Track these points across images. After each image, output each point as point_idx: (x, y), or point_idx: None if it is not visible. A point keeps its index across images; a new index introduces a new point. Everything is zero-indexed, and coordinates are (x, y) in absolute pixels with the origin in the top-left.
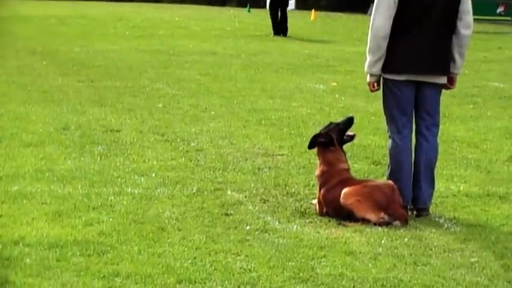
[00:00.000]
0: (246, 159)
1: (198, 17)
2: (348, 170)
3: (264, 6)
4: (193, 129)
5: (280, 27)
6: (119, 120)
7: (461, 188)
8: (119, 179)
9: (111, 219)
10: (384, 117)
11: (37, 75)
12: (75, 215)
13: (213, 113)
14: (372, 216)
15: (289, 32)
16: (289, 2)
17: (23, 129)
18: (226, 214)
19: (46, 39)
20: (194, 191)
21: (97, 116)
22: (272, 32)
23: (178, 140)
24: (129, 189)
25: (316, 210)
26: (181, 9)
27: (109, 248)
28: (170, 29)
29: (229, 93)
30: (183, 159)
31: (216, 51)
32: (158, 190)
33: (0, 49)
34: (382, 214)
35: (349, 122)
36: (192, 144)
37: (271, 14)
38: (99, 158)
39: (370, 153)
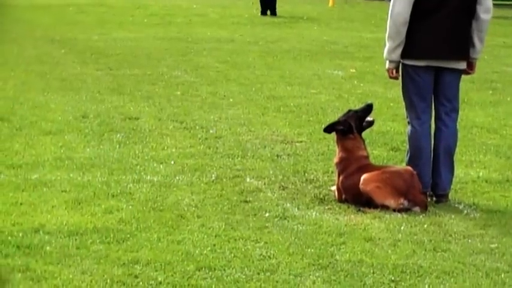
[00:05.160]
0: (265, 146)
1: (216, 4)
2: (367, 157)
3: None
4: (211, 117)
5: (268, 7)
6: (137, 108)
7: (481, 173)
8: (138, 166)
9: (130, 207)
10: (403, 103)
11: (56, 64)
12: (94, 203)
13: (231, 100)
14: (391, 202)
15: (306, 18)
16: None
17: (42, 117)
18: (245, 201)
19: (64, 28)
20: (213, 178)
21: (116, 104)
22: (260, 11)
23: (197, 127)
24: (148, 177)
25: (335, 196)
26: None
27: (128, 236)
28: (188, 16)
29: (247, 80)
30: (201, 146)
31: (234, 38)
32: (177, 177)
33: (18, 38)
34: (402, 200)
35: (368, 109)
36: (210, 131)
37: None
38: (118, 146)
39: (388, 140)
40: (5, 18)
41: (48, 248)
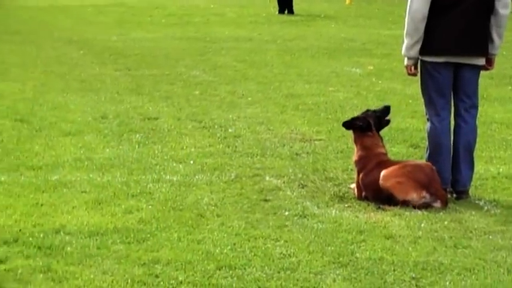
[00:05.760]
0: (284, 145)
1: (233, 4)
2: (385, 154)
3: None
4: (230, 116)
5: (286, 6)
6: (156, 108)
7: (501, 169)
8: (158, 166)
9: (150, 207)
10: (422, 100)
11: (75, 65)
12: (114, 203)
13: (249, 99)
14: (413, 196)
15: (323, 16)
16: None
17: (62, 118)
18: (265, 200)
19: (83, 29)
20: (232, 177)
21: (134, 104)
22: (278, 9)
23: (216, 126)
24: (168, 177)
25: (354, 194)
26: None
27: (149, 235)
28: (205, 16)
29: (265, 79)
30: (220, 145)
31: (252, 37)
32: (196, 177)
33: (38, 39)
34: (424, 193)
35: (386, 110)
36: (229, 130)
37: None
38: (137, 146)
39: (408, 137)
40: (24, 19)
41: (69, 248)
